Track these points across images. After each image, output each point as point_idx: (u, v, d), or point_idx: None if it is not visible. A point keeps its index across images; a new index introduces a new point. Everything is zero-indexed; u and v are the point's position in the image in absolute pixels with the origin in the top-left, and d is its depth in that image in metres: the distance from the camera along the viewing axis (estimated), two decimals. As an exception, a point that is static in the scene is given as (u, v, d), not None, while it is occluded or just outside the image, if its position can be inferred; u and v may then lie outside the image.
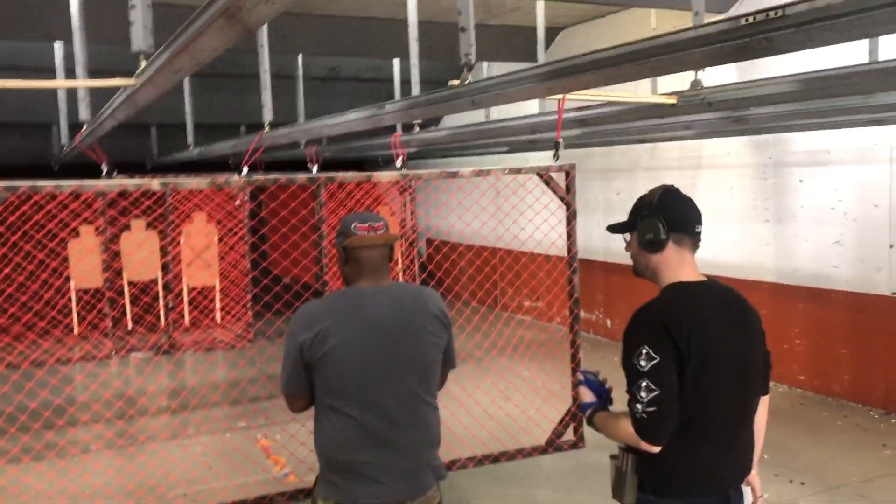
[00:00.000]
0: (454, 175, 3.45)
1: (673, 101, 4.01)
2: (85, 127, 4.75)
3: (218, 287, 10.19)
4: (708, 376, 2.25)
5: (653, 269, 2.42)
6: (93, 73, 5.97)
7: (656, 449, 2.25)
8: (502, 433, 5.01)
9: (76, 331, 9.53)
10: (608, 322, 9.53)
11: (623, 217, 2.48)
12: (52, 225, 7.96)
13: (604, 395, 2.56)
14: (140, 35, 2.60)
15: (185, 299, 10.09)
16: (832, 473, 5.22)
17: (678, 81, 4.35)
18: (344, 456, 2.41)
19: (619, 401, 2.45)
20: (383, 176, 3.42)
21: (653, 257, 2.40)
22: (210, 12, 1.71)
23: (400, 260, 10.86)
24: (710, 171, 7.87)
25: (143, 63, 2.64)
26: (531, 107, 7.42)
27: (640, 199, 2.45)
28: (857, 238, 6.53)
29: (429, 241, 13.51)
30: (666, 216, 2.37)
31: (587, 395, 2.55)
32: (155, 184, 2.90)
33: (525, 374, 7.07)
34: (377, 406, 2.40)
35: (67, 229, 8.74)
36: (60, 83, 3.31)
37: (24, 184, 2.68)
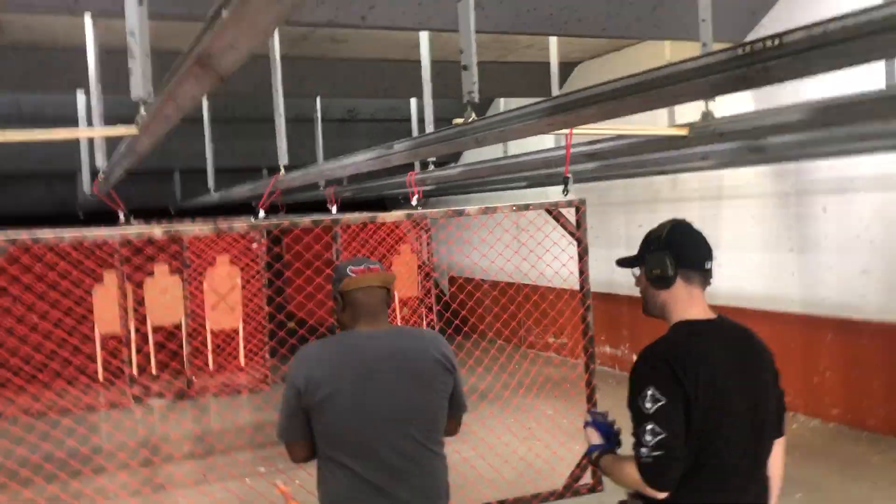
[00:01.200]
0: (460, 213, 3.41)
1: (684, 132, 3.95)
2: (100, 175, 4.79)
3: (241, 330, 10.21)
4: (717, 418, 2.16)
5: (661, 305, 2.35)
6: (114, 121, 6.09)
7: (663, 495, 2.15)
8: (528, 470, 4.89)
9: (101, 377, 9.58)
10: (634, 357, 9.35)
11: None
12: (77, 273, 8.06)
13: (611, 437, 2.47)
14: (139, 84, 2.61)
15: (210, 343, 10.11)
16: (868, 512, 5.02)
17: (694, 112, 4.31)
18: None
19: (628, 443, 2.37)
20: (388, 216, 3.39)
21: (661, 293, 2.33)
22: (187, 62, 1.70)
23: (423, 299, 10.82)
24: (732, 201, 7.75)
25: (143, 111, 2.65)
26: (548, 141, 7.40)
27: (650, 234, 2.38)
28: (885, 266, 6.36)
29: (451, 280, 13.45)
30: (674, 252, 2.29)
31: (594, 437, 2.47)
32: (157, 231, 2.89)
33: (549, 413, 6.94)
34: (377, 457, 2.32)
35: (90, 277, 8.82)
36: (62, 133, 3.34)
37: (23, 235, 2.68)
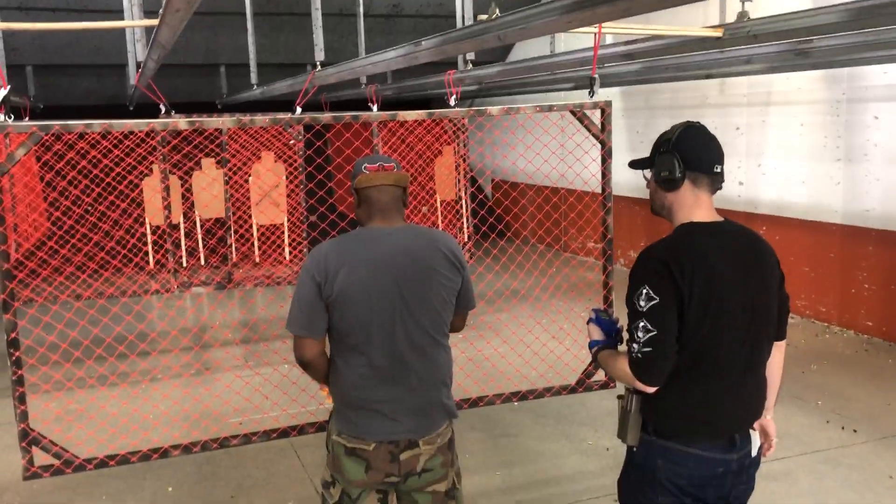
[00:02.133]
0: (482, 113, 3.42)
1: (718, 33, 3.82)
2: (140, 67, 4.88)
3: (286, 224, 10.45)
4: (711, 319, 2.20)
5: (668, 207, 2.36)
6: (152, 13, 6.12)
7: (651, 389, 2.24)
8: (558, 363, 5.02)
9: (151, 265, 9.98)
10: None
11: None
12: (124, 165, 8.28)
13: (613, 334, 2.54)
14: (159, -25, 2.63)
15: (256, 236, 10.40)
16: (889, 422, 5.05)
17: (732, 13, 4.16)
18: (357, 393, 2.47)
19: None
20: (408, 115, 3.41)
21: (668, 195, 2.34)
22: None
23: (466, 202, 10.85)
24: (780, 108, 7.52)
25: (164, 2, 2.69)
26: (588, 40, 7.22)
27: (661, 136, 2.37)
28: (934, 178, 6.18)
29: (495, 185, 13.43)
30: (683, 154, 2.29)
31: (595, 333, 2.54)
32: (182, 123, 2.97)
33: (583, 314, 7.02)
34: (388, 345, 2.44)
35: (137, 169, 9.05)
36: (92, 25, 3.40)
37: (55, 123, 2.79)
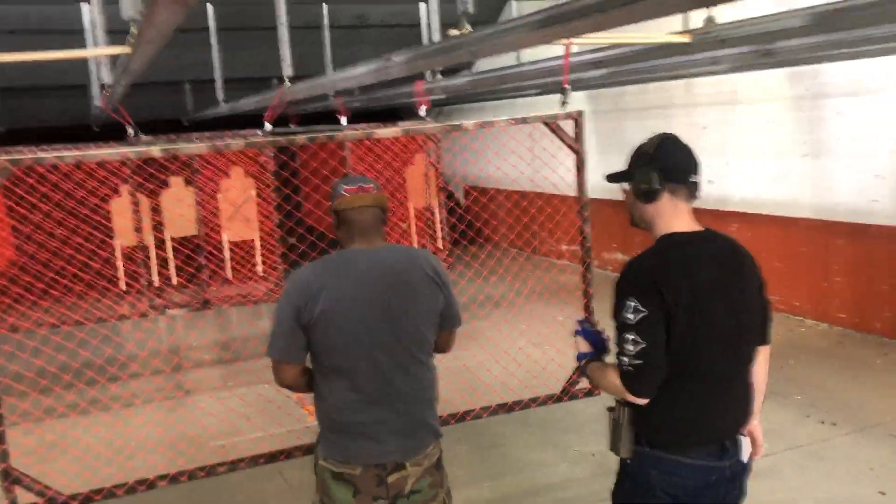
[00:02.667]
0: (457, 128, 3.42)
1: (686, 39, 3.87)
2: (104, 90, 4.81)
3: (258, 240, 10.36)
4: (698, 328, 2.23)
5: (647, 219, 2.39)
6: (116, 33, 6.03)
7: (642, 401, 2.25)
8: (542, 373, 5.02)
9: (122, 286, 9.83)
10: (646, 263, 9.41)
11: None
12: (92, 185, 8.15)
13: (599, 345, 2.56)
14: (128, 3, 2.60)
15: (227, 253, 10.29)
16: (867, 413, 5.13)
17: (699, 18, 4.20)
18: (341, 417, 2.46)
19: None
20: (385, 133, 3.40)
21: (647, 207, 2.36)
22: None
23: (437, 210, 10.85)
24: (746, 106, 7.62)
25: (133, 31, 2.65)
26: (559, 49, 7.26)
27: (638, 148, 2.40)
28: (899, 170, 6.29)
29: (466, 193, 13.44)
30: (661, 166, 2.32)
31: (583, 346, 2.56)
32: (155, 150, 2.93)
33: (560, 319, 7.06)
34: (371, 367, 2.43)
35: (105, 190, 8.92)
36: (60, 55, 3.35)
37: (26, 157, 2.74)
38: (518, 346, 5.34)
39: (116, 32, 5.57)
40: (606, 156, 8.91)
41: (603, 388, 2.40)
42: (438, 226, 10.69)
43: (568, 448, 4.89)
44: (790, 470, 4.40)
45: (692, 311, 2.21)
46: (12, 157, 2.79)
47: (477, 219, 10.67)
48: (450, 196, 12.01)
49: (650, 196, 2.33)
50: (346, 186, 2.53)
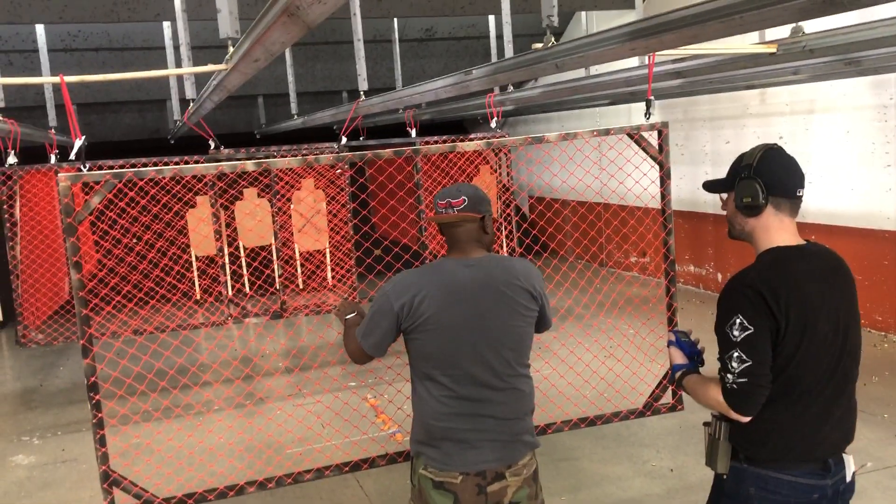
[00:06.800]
0: (539, 140, 3.43)
1: (772, 49, 3.81)
2: (191, 105, 4.97)
3: (328, 250, 10.54)
4: (804, 345, 2.19)
5: (749, 232, 2.33)
6: (198, 48, 6.21)
7: (745, 419, 2.21)
8: (608, 389, 4.98)
9: (198, 296, 10.10)
10: (718, 276, 9.25)
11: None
12: (167, 198, 8.41)
13: (695, 357, 2.52)
14: (227, 22, 2.69)
15: (298, 263, 10.49)
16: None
17: (780, 28, 4.13)
18: (441, 423, 2.48)
19: (711, 362, 2.42)
20: (468, 146, 3.43)
21: (749, 221, 2.31)
22: (274, 10, 1.76)
23: (510, 220, 10.86)
24: (825, 115, 7.44)
25: (231, 49, 2.74)
26: (631, 59, 7.21)
27: (740, 159, 2.34)
28: None
29: (532, 203, 13.41)
30: (766, 179, 2.26)
31: (678, 357, 2.52)
32: (250, 164, 3.02)
33: (630, 332, 6.98)
34: (472, 376, 2.46)
35: (181, 202, 9.18)
36: (156, 73, 3.46)
37: (128, 171, 2.85)
38: (595, 357, 5.30)
39: (196, 48, 5.78)
40: (677, 167, 8.78)
41: (702, 402, 2.36)
42: (507, 235, 10.70)
43: (645, 462, 4.83)
44: (880, 492, 4.26)
45: (799, 328, 2.17)
46: (115, 171, 2.91)
47: (543, 230, 10.63)
48: (515, 208, 12.00)
49: (753, 210, 2.28)
50: (438, 201, 2.57)
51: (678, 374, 2.49)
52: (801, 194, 2.30)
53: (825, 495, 2.27)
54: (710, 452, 2.37)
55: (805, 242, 2.32)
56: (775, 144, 2.34)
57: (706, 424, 2.41)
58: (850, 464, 2.34)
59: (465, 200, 2.56)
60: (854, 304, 2.33)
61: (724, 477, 2.36)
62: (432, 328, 2.43)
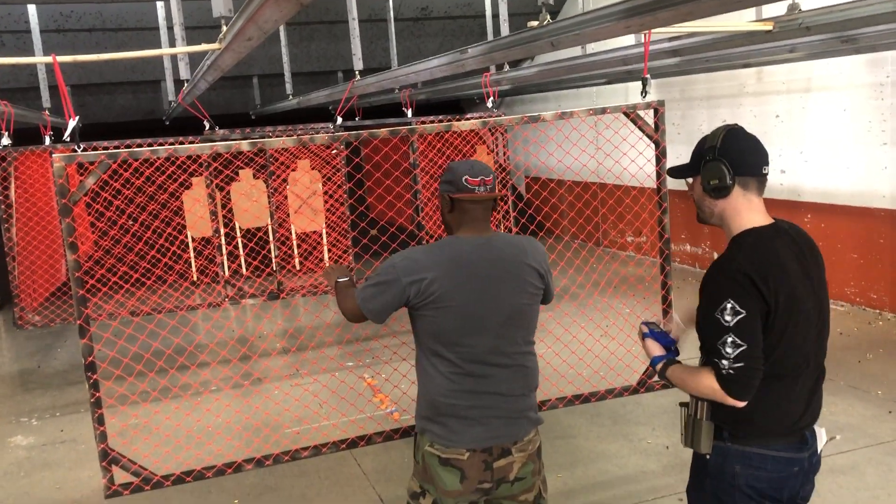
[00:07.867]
0: (536, 119, 3.42)
1: (769, 27, 3.79)
2: (185, 86, 4.95)
3: (325, 232, 10.53)
4: (792, 325, 2.20)
5: (719, 214, 2.32)
6: (192, 29, 6.17)
7: (742, 404, 2.20)
8: (603, 367, 5.01)
9: (194, 278, 10.10)
10: (714, 255, 9.28)
11: None
12: (163, 179, 8.39)
13: (671, 347, 2.52)
14: (220, 1, 2.68)
15: (295, 245, 10.49)
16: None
17: (777, 5, 4.11)
18: (448, 399, 2.48)
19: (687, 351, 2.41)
20: (464, 125, 3.42)
21: (718, 203, 2.30)
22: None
23: (506, 199, 10.85)
24: (821, 94, 7.43)
25: (224, 29, 2.73)
26: (626, 38, 7.18)
27: (702, 142, 2.33)
28: None
29: (528, 185, 13.40)
30: (731, 159, 2.24)
31: (656, 349, 2.51)
32: (244, 144, 3.01)
33: (625, 312, 7.01)
34: (479, 353, 2.47)
35: (176, 182, 9.15)
36: (149, 53, 3.45)
37: (123, 152, 2.85)
38: (582, 339, 5.31)
39: (190, 28, 5.75)
40: (674, 146, 8.73)
41: (691, 390, 2.33)
42: (503, 215, 10.70)
43: (640, 440, 4.87)
44: (873, 467, 4.30)
45: (787, 309, 2.18)
46: (110, 152, 2.90)
47: (539, 209, 10.64)
48: (511, 187, 11.99)
49: (721, 192, 2.27)
50: (468, 178, 2.49)
51: (660, 366, 2.48)
52: (766, 172, 2.29)
53: (803, 468, 2.30)
54: (691, 433, 2.35)
55: (774, 220, 2.32)
56: (736, 124, 2.33)
57: (683, 405, 2.39)
58: (822, 435, 2.36)
59: (492, 177, 2.56)
60: (824, 280, 2.35)
61: (708, 457, 2.35)
62: (443, 306, 2.43)
